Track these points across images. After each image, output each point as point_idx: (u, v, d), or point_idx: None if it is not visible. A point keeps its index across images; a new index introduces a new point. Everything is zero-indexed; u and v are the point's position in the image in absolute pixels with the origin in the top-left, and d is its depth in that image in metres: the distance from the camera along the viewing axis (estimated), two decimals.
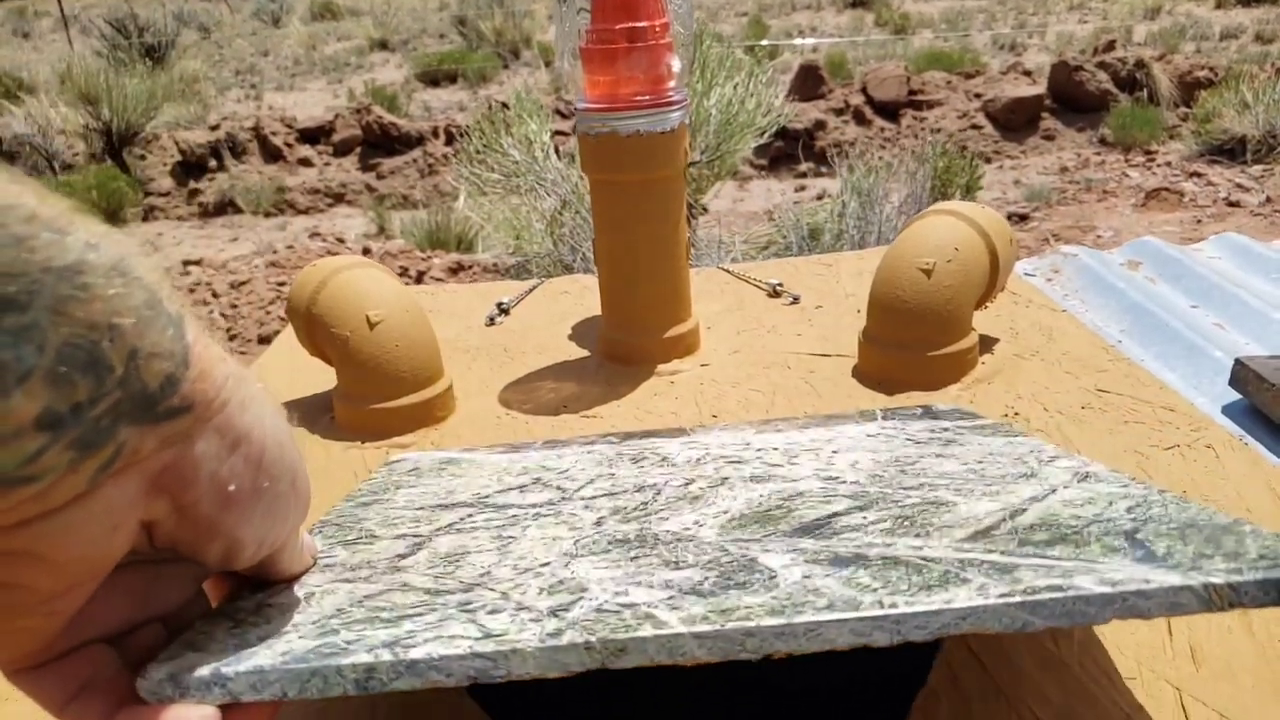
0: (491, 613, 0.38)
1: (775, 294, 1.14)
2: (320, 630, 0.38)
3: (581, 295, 1.20)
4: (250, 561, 0.40)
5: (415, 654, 0.35)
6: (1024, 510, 0.46)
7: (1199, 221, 4.88)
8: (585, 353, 1.01)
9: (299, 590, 0.43)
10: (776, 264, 1.27)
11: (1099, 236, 4.83)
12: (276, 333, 1.08)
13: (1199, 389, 0.93)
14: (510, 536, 0.49)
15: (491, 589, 0.41)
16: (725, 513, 0.50)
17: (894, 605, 0.36)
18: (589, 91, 0.86)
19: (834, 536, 0.44)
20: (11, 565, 0.31)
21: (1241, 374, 0.86)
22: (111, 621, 0.37)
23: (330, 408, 0.90)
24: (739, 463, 0.61)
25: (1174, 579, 0.36)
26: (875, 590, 0.37)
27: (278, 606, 0.41)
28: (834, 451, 0.61)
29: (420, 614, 0.39)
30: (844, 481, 0.54)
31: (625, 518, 0.51)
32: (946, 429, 0.65)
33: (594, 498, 0.56)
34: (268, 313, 3.82)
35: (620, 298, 0.95)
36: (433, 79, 11.38)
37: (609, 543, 0.47)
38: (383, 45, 13.79)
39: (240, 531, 0.37)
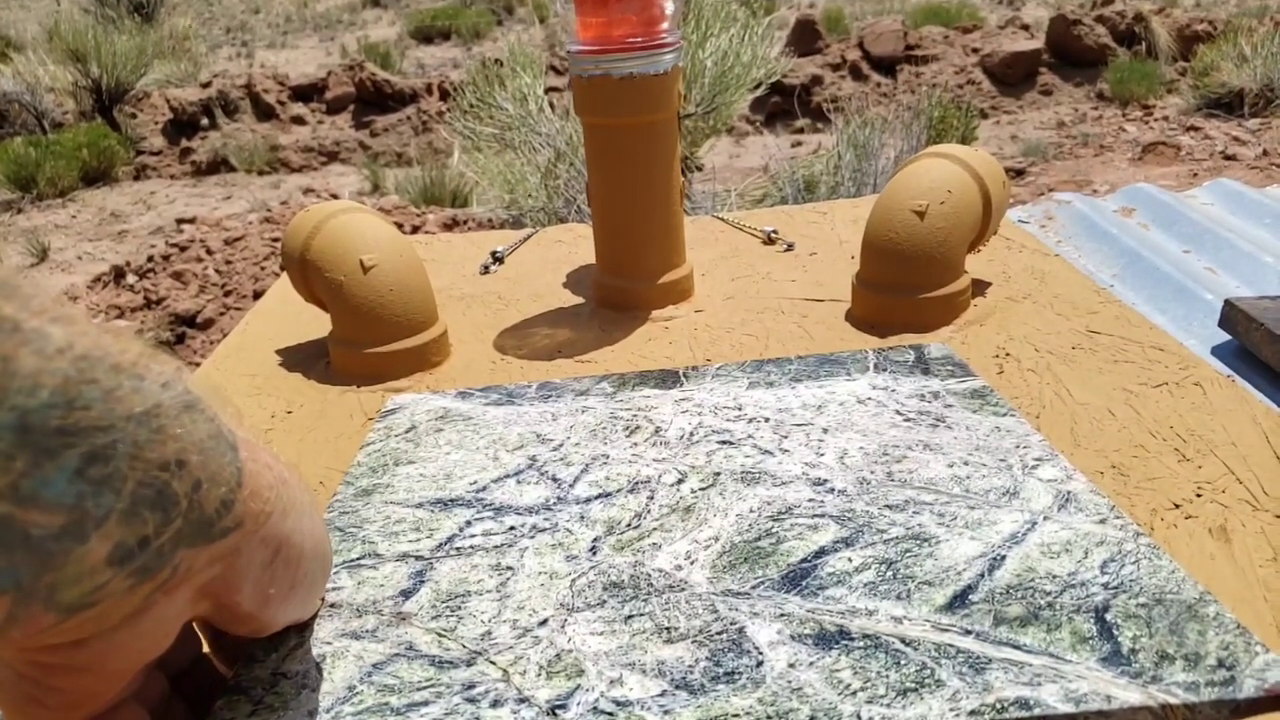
0: (494, 705, 0.41)
1: (770, 241, 1.14)
2: None
3: (576, 244, 1.20)
4: (274, 630, 0.43)
5: None
6: (1002, 560, 0.47)
7: (1195, 175, 4.87)
8: (580, 300, 1.02)
9: (311, 654, 0.45)
10: (771, 212, 1.27)
11: (1095, 190, 4.82)
12: (273, 285, 1.08)
13: (1189, 331, 0.93)
14: (509, 568, 0.51)
15: (493, 661, 0.44)
16: (716, 540, 0.52)
17: None
18: (581, 34, 0.86)
19: (820, 593, 0.46)
20: (65, 676, 0.33)
21: (1231, 314, 0.86)
22: (137, 680, 0.38)
23: (326, 353, 0.90)
24: (730, 444, 0.62)
25: (1134, 696, 0.39)
26: (855, 694, 0.40)
27: (292, 679, 0.43)
28: (824, 431, 0.62)
29: (427, 701, 0.41)
30: (832, 489, 0.56)
31: (620, 542, 0.52)
32: (937, 395, 0.66)
33: (589, 500, 0.57)
34: (262, 268, 3.81)
35: (614, 242, 0.96)
36: (426, 36, 11.30)
37: (604, 588, 0.49)
38: (375, 2, 13.66)
39: (275, 620, 0.40)
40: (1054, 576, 0.46)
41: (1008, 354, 0.80)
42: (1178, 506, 0.59)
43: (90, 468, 0.28)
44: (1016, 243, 1.05)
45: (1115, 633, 0.42)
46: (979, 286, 0.93)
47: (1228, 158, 5.14)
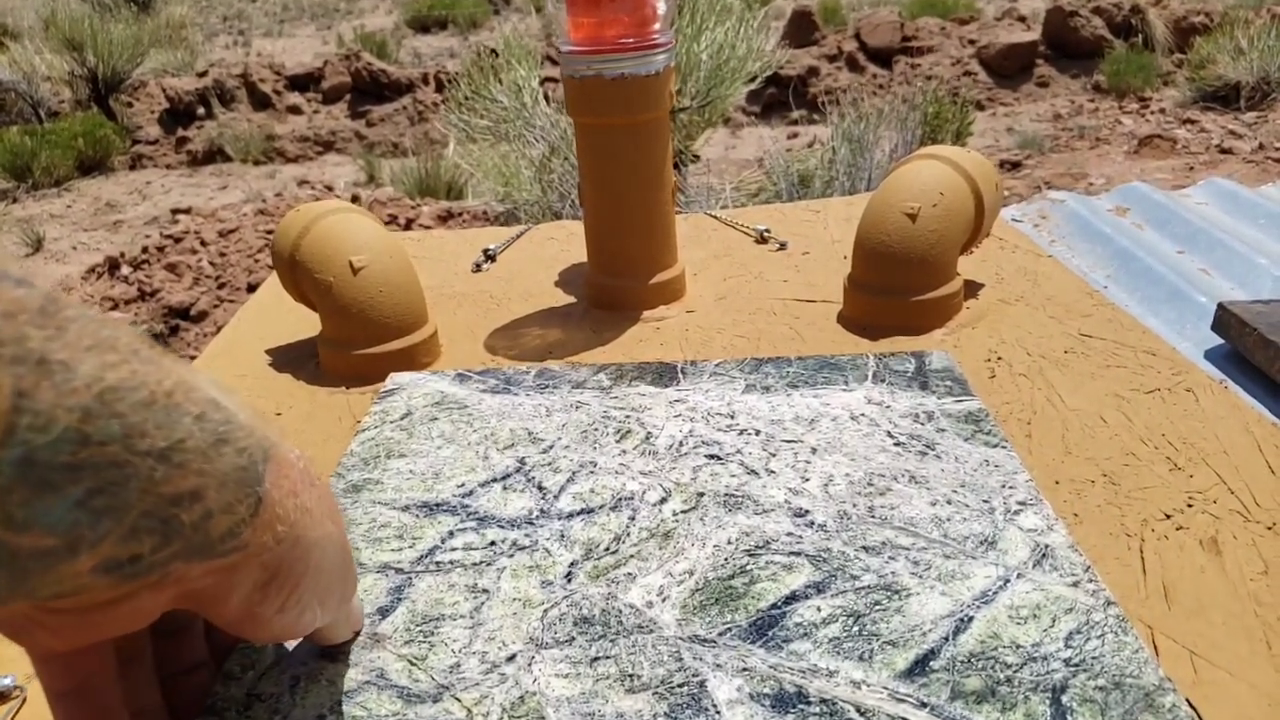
0: None
1: (762, 240, 1.13)
2: None
3: (569, 241, 1.19)
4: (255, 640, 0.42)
5: None
6: (969, 623, 0.47)
7: (1191, 169, 4.86)
8: (572, 299, 1.01)
9: (286, 675, 0.45)
10: (764, 210, 1.26)
11: (1091, 184, 4.82)
12: (265, 280, 1.09)
13: (1182, 334, 0.93)
14: (484, 590, 0.51)
15: (459, 698, 0.44)
16: (690, 574, 0.52)
17: None
18: (573, 34, 0.85)
19: (785, 646, 0.46)
20: (38, 630, 0.33)
21: (1224, 319, 0.86)
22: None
23: (316, 353, 0.90)
24: (718, 459, 0.62)
25: None
26: None
27: (266, 702, 0.44)
28: (812, 451, 0.62)
29: None
30: (812, 522, 0.55)
31: (596, 569, 0.53)
32: (932, 415, 0.65)
33: (571, 516, 0.57)
34: (256, 261, 3.80)
35: (606, 243, 0.95)
36: (423, 25, 11.27)
37: (573, 624, 0.49)
38: None
39: (256, 634, 0.40)
40: (1017, 646, 0.45)
41: (999, 358, 0.80)
42: (1169, 517, 0.59)
43: (95, 499, 0.28)
44: (1010, 243, 1.05)
45: (1069, 718, 0.41)
46: (971, 288, 0.92)
47: (1224, 151, 5.13)
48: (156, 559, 0.30)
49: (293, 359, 0.91)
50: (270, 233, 3.99)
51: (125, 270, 3.97)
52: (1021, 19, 8.40)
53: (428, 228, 4.19)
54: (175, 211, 5.54)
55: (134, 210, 6.18)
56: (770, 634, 0.47)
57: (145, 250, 4.06)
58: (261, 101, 8.19)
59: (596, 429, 0.66)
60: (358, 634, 0.48)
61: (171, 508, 0.30)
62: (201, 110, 8.02)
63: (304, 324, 0.96)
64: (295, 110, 8.13)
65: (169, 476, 0.29)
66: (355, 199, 4.58)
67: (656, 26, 0.85)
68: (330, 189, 5.72)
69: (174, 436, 0.29)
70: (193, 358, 3.17)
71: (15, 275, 0.27)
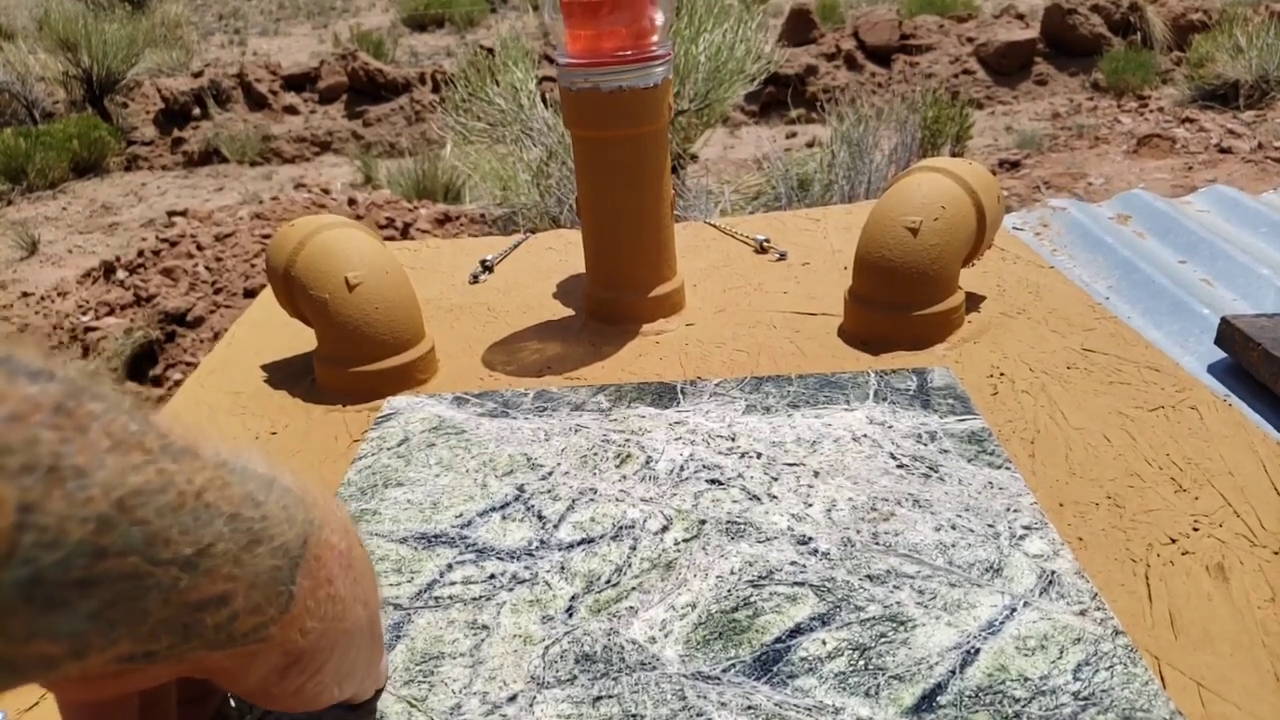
0: None
1: (762, 250, 1.13)
2: None
3: (567, 251, 1.18)
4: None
5: None
6: (976, 655, 0.46)
7: (1190, 168, 4.85)
8: (570, 311, 1.00)
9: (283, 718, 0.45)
10: (764, 218, 1.25)
11: (1090, 184, 4.81)
12: (262, 285, 1.07)
13: (1185, 347, 0.92)
14: (484, 628, 0.50)
15: None
16: (693, 608, 0.51)
17: None
18: (570, 46, 0.84)
19: (789, 683, 0.46)
20: (50, 685, 0.34)
21: (1227, 333, 0.85)
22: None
23: (312, 369, 0.89)
24: (719, 484, 0.61)
25: None
26: None
27: None
28: (814, 475, 0.61)
29: None
30: (815, 550, 0.55)
31: (597, 603, 0.52)
32: (934, 436, 0.65)
33: (571, 547, 0.56)
34: (253, 265, 3.79)
35: (604, 255, 0.94)
36: (420, 23, 11.25)
37: (575, 661, 0.48)
38: None
39: (272, 708, 0.39)
40: (1025, 679, 0.45)
41: (1002, 373, 0.79)
42: (1174, 541, 0.58)
43: (109, 611, 0.26)
44: (1011, 253, 1.04)
45: None
46: (973, 300, 0.92)
47: (1223, 150, 5.12)
48: (173, 653, 0.29)
49: (288, 375, 0.90)
50: (267, 236, 3.97)
51: (121, 274, 3.96)
52: (1020, 16, 8.39)
53: (426, 231, 4.18)
54: (171, 213, 5.53)
55: (130, 212, 6.16)
56: (775, 669, 0.46)
57: (141, 254, 4.04)
58: (257, 102, 8.18)
59: (596, 453, 0.65)
60: (380, 691, 0.47)
61: (195, 613, 0.28)
62: (197, 111, 8.00)
63: (299, 339, 0.95)
64: (291, 110, 8.11)
65: (195, 584, 0.27)
66: (352, 202, 4.57)
67: (655, 38, 0.84)
68: (327, 191, 5.70)
69: (202, 541, 0.27)
70: (189, 364, 3.16)
71: (32, 367, 0.25)
